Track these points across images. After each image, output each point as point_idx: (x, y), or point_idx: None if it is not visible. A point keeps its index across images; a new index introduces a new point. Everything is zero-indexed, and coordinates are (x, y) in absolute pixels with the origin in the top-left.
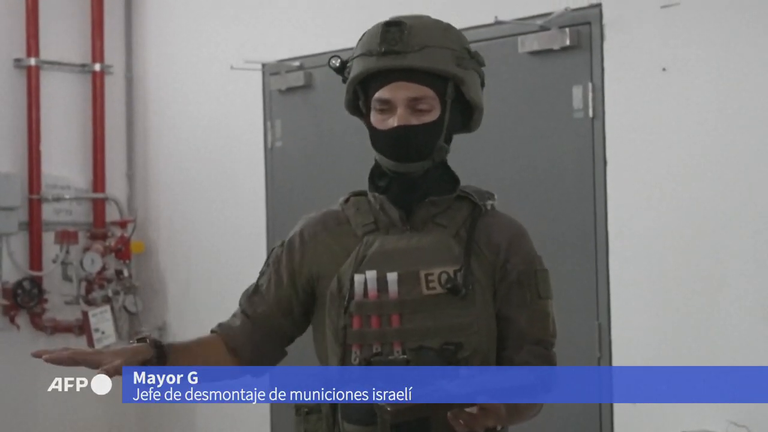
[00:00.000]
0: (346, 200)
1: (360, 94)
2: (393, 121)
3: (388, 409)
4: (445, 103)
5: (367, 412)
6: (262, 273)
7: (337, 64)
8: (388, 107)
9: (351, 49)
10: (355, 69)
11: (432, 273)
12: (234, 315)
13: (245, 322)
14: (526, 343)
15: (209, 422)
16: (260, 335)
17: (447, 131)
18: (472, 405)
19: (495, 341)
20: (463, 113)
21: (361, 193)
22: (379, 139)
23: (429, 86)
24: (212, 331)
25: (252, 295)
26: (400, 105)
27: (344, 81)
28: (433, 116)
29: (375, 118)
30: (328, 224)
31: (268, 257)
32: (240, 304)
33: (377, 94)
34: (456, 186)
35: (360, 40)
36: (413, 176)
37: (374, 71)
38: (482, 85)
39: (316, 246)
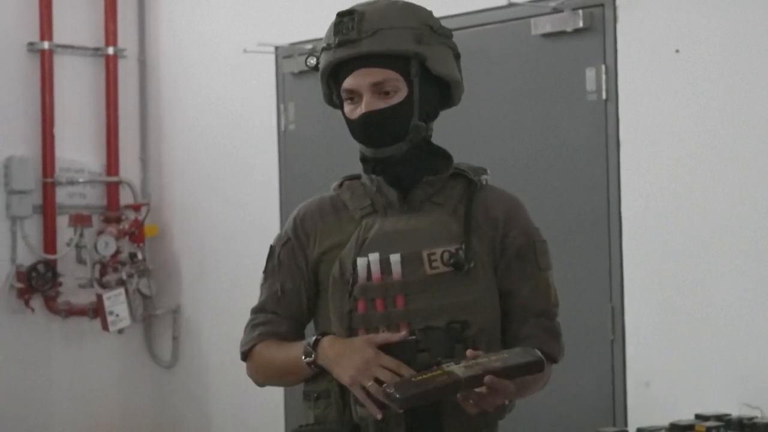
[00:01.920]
0: (340, 185)
1: (333, 87)
2: (361, 109)
3: (397, 396)
4: (411, 82)
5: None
6: (276, 272)
7: (314, 63)
8: (355, 96)
9: None
10: (321, 64)
11: (434, 252)
12: (266, 323)
13: (291, 324)
14: (529, 315)
15: (224, 409)
16: (302, 335)
17: (422, 109)
18: (480, 386)
19: (499, 317)
20: (441, 88)
21: (354, 177)
22: (352, 128)
23: (390, 68)
24: (253, 344)
25: (281, 298)
26: (365, 92)
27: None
28: (399, 97)
29: (347, 108)
30: (325, 210)
31: (274, 255)
32: (264, 310)
33: (343, 85)
34: (450, 164)
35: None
36: (393, 160)
37: (335, 63)
38: (457, 57)
39: (316, 233)
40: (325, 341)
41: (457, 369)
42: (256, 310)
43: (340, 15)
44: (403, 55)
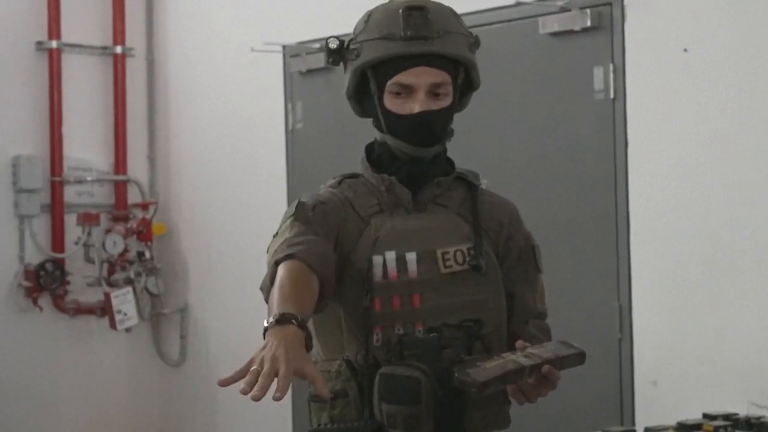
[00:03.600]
0: (339, 183)
1: (371, 77)
2: (413, 107)
3: (477, 380)
4: (456, 87)
5: (413, 392)
6: (304, 215)
7: (335, 47)
8: (406, 92)
9: None
10: (374, 52)
11: (448, 251)
12: (306, 242)
13: (325, 253)
14: (530, 317)
15: (231, 407)
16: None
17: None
18: (539, 375)
19: (506, 316)
20: (461, 95)
21: (353, 176)
22: (399, 123)
23: (447, 71)
24: (289, 257)
25: (316, 239)
26: (421, 90)
27: (335, 63)
28: (448, 101)
29: (392, 102)
30: (338, 201)
31: (307, 207)
32: (304, 233)
33: (397, 78)
34: (452, 167)
35: (366, 22)
36: (425, 160)
37: (398, 56)
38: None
39: (339, 225)
40: (289, 328)
41: (518, 358)
42: (294, 227)
43: (410, 9)
44: (461, 61)
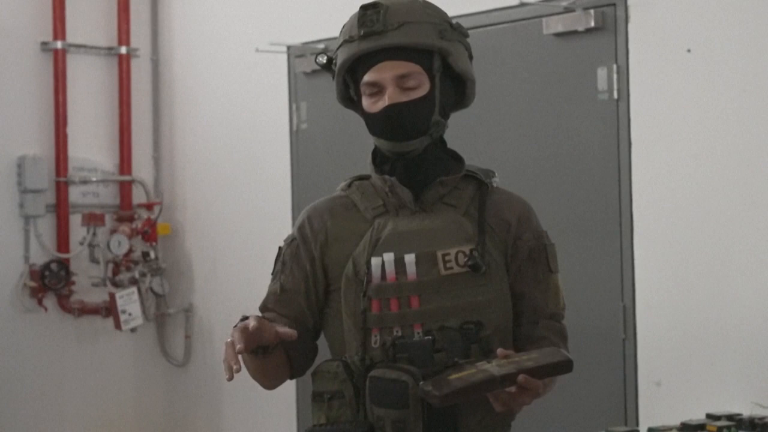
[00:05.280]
0: (349, 185)
1: (350, 83)
2: (383, 102)
3: (437, 394)
4: (433, 77)
5: (400, 396)
6: (279, 272)
7: (324, 61)
8: (377, 89)
9: None
10: (340, 58)
11: (449, 253)
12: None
13: (290, 324)
14: (540, 317)
15: (235, 407)
16: (301, 334)
17: (441, 106)
18: (514, 384)
19: (511, 318)
20: (456, 87)
21: (363, 177)
22: (373, 122)
23: (415, 62)
24: None
25: (280, 295)
26: (388, 84)
27: (333, 77)
28: (422, 91)
29: (366, 102)
30: (335, 210)
31: (281, 255)
32: (266, 309)
33: (365, 78)
34: (462, 165)
35: (342, 29)
36: (413, 155)
37: (358, 56)
38: (470, 57)
39: (327, 233)
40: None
41: (491, 367)
42: (259, 309)
43: (364, 8)
44: (428, 49)
